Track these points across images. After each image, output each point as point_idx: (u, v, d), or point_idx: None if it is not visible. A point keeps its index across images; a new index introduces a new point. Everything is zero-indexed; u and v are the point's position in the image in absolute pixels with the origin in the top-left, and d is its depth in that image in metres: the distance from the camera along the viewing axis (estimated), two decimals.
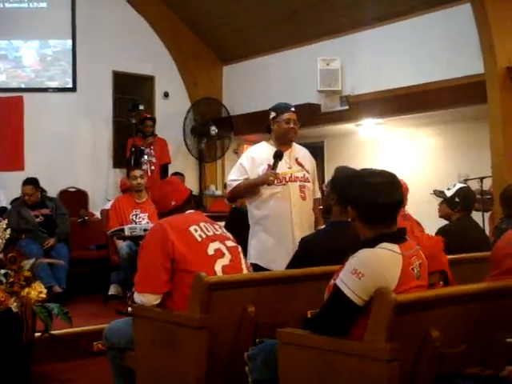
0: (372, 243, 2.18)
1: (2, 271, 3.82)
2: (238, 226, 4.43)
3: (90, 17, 8.49)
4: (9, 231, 3.98)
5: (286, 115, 4.06)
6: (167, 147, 8.24)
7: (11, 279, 3.80)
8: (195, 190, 8.71)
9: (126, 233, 5.44)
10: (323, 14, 7.90)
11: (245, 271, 2.96)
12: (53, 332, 3.97)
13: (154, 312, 2.80)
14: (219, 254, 2.87)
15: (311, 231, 3.98)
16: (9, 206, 6.73)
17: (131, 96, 8.71)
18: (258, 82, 9.12)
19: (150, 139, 7.99)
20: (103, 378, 3.61)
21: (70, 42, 8.47)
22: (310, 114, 8.20)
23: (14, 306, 3.71)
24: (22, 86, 8.41)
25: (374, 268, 2.09)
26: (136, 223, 5.87)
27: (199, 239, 2.86)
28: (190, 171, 9.19)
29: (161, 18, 9.18)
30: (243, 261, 3.00)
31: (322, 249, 3.07)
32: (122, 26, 8.83)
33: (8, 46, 8.43)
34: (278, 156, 4.02)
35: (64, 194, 8.11)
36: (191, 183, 8.67)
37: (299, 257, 3.19)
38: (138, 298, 2.83)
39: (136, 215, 6.01)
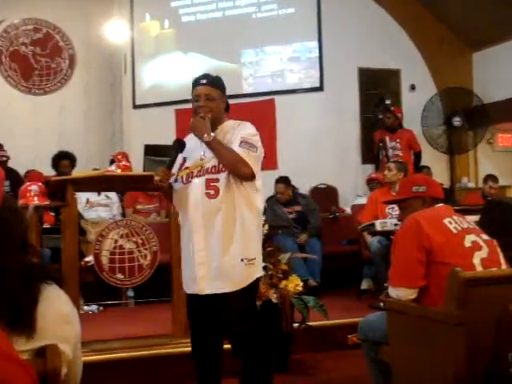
0: None
1: (262, 264, 4.09)
2: (493, 221, 4.20)
3: (335, 16, 8.69)
4: (266, 227, 4.25)
5: (194, 92, 3.14)
6: (415, 137, 8.05)
7: (270, 272, 4.05)
8: (445, 183, 8.43)
9: (377, 228, 5.44)
10: None
11: (503, 266, 2.80)
12: (309, 323, 4.15)
13: (408, 307, 2.76)
14: (476, 246, 2.74)
15: (245, 236, 3.06)
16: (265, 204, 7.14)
17: (377, 91, 8.72)
18: None
19: (398, 133, 7.89)
20: (357, 371, 3.64)
21: (316, 43, 8.75)
22: None
23: (273, 297, 3.95)
24: (275, 89, 8.87)
25: None
26: (392, 216, 5.83)
27: (454, 231, 2.77)
28: (439, 164, 8.92)
29: (403, 9, 9.05)
30: (501, 255, 2.84)
31: None
32: (365, 23, 8.87)
33: (261, 53, 8.97)
34: (174, 148, 3.13)
35: (315, 190, 8.39)
36: (440, 176, 8.38)
37: None
38: (393, 292, 2.82)
39: (393, 208, 5.97)
